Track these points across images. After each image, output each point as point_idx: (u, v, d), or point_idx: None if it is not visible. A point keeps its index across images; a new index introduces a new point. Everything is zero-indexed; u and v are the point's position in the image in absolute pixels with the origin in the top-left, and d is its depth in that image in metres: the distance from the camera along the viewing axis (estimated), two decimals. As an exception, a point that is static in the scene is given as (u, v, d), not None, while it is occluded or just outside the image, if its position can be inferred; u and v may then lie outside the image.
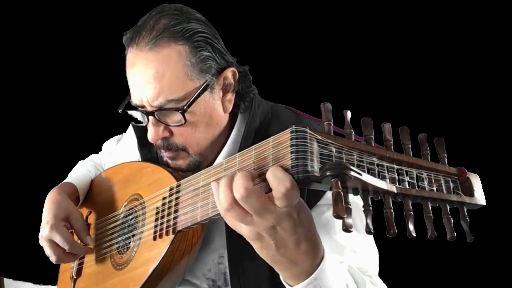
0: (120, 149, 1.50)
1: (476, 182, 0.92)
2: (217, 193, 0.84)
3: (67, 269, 1.41)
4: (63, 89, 2.47)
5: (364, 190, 0.83)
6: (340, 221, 1.10)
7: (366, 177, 0.80)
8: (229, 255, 1.17)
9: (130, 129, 1.50)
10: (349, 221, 0.78)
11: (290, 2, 2.33)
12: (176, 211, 1.06)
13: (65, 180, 1.42)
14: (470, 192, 0.91)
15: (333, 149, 0.83)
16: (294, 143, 0.81)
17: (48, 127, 2.46)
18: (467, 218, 0.88)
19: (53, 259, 1.27)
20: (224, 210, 0.82)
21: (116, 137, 1.58)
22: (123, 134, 1.56)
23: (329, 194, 1.13)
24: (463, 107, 2.13)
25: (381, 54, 2.22)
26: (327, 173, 0.78)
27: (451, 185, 0.90)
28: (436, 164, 0.90)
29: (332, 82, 2.12)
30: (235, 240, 1.16)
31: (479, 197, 0.91)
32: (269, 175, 0.80)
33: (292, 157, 0.81)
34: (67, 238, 1.24)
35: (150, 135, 1.17)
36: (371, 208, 0.82)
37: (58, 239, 1.23)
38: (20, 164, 2.44)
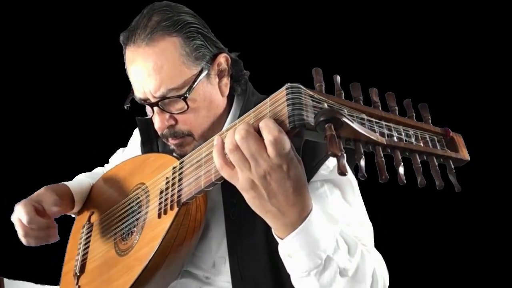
0: (126, 155, 1.56)
1: (460, 141, 0.98)
2: (218, 146, 0.94)
3: (69, 270, 1.42)
4: (66, 100, 2.52)
5: (356, 140, 0.89)
6: (334, 196, 1.18)
7: (357, 125, 0.87)
8: (228, 236, 1.22)
9: (134, 138, 1.58)
10: (343, 162, 0.84)
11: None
12: (180, 185, 1.11)
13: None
14: (455, 149, 0.97)
15: (325, 105, 0.90)
16: (290, 96, 0.89)
17: (52, 134, 2.50)
18: (454, 171, 0.94)
19: (20, 235, 1.32)
20: (229, 151, 0.90)
21: (121, 149, 1.67)
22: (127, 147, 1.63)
23: (322, 171, 1.20)
24: (447, 77, 2.23)
25: (371, 39, 2.31)
26: (321, 119, 0.84)
27: (437, 143, 0.96)
28: (421, 124, 0.97)
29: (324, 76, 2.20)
30: (233, 221, 1.21)
31: (464, 154, 0.97)
32: (261, 125, 0.89)
33: (289, 109, 0.88)
34: (27, 211, 1.29)
35: (157, 125, 1.24)
36: (363, 156, 0.87)
37: (20, 213, 1.29)
38: (20, 166, 2.47)
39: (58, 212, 1.32)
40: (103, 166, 1.68)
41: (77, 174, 1.61)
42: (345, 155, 0.85)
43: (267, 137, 0.87)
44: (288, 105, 0.88)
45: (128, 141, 1.64)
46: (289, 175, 0.90)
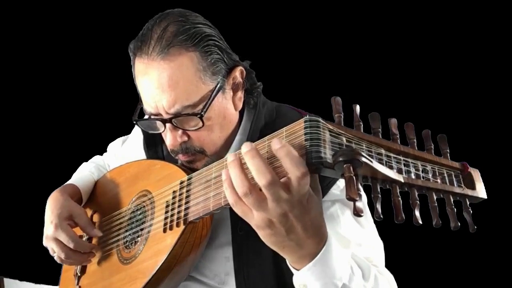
0: (126, 150, 1.52)
1: (477, 176, 0.96)
2: (228, 181, 0.87)
3: (70, 268, 1.41)
4: (67, 92, 2.50)
5: (373, 178, 0.87)
6: (345, 216, 1.17)
7: (376, 165, 0.84)
8: (234, 251, 1.20)
9: (136, 130, 1.53)
10: (359, 205, 0.82)
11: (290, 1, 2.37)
12: (187, 203, 1.09)
13: (68, 182, 1.45)
14: (472, 186, 0.95)
15: (344, 139, 0.88)
16: (308, 131, 0.86)
17: (52, 128, 2.48)
18: (470, 209, 0.93)
19: (61, 257, 1.28)
20: (242, 195, 0.85)
21: (121, 139, 1.61)
22: (128, 135, 1.59)
23: (333, 190, 1.18)
24: (464, 105, 2.22)
25: (384, 53, 2.28)
26: (340, 159, 0.82)
27: (454, 178, 0.94)
28: (440, 158, 0.95)
29: (336, 82, 2.18)
30: (240, 236, 1.19)
31: (481, 191, 0.95)
32: (286, 159, 0.83)
33: (307, 144, 0.85)
34: (71, 236, 1.26)
35: (169, 142, 1.19)
36: (380, 195, 0.86)
37: (63, 237, 1.25)
38: (21, 164, 2.46)
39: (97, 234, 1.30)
40: (101, 154, 1.65)
41: (75, 164, 1.59)
42: (361, 195, 0.83)
43: (295, 172, 0.82)
44: (306, 140, 0.85)
45: (126, 129, 1.60)
46: (309, 209, 0.87)
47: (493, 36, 2.22)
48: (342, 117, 0.91)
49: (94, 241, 1.34)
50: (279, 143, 0.85)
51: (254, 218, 0.87)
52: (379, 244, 1.22)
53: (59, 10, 2.47)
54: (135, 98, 1.27)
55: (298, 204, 0.85)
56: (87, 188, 1.43)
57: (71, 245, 1.24)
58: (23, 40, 2.51)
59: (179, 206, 1.11)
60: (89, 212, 1.43)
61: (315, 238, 0.90)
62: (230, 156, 0.88)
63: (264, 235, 0.90)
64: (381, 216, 0.84)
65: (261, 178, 0.83)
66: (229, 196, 0.88)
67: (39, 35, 2.50)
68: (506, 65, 2.21)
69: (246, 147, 0.86)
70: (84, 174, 1.47)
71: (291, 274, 0.98)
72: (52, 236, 1.26)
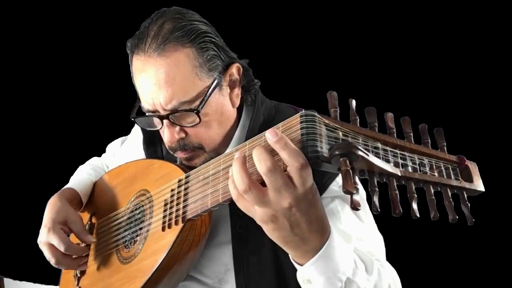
0: (125, 150, 1.53)
1: (474, 169, 0.96)
2: (231, 177, 0.88)
3: (70, 269, 1.42)
4: (66, 93, 2.51)
5: (370, 172, 0.87)
6: (345, 211, 1.17)
7: (373, 158, 0.84)
8: (234, 249, 1.20)
9: (135, 130, 1.53)
10: (357, 198, 0.82)
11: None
12: (185, 201, 1.09)
13: (66, 186, 1.45)
14: (469, 179, 0.95)
15: (340, 133, 0.88)
16: (304, 125, 0.86)
17: (51, 129, 2.49)
18: (467, 202, 0.93)
19: (52, 262, 1.28)
20: (242, 192, 0.85)
21: (120, 139, 1.61)
22: (127, 136, 1.59)
23: (332, 187, 1.18)
24: (460, 98, 2.22)
25: (380, 48, 2.29)
26: (336, 152, 0.82)
27: (451, 171, 0.94)
28: (437, 152, 0.95)
29: (332, 76, 2.18)
30: (239, 234, 1.19)
31: (478, 184, 0.95)
32: (281, 152, 0.83)
33: (303, 138, 0.85)
34: (63, 239, 1.26)
35: (167, 138, 1.20)
36: (377, 189, 0.85)
37: (54, 241, 1.25)
38: (21, 165, 2.46)
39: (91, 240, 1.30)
40: (99, 156, 1.65)
41: (75, 164, 1.59)
42: (358, 188, 0.83)
43: (294, 164, 0.82)
44: (302, 135, 0.85)
45: (124, 129, 1.60)
46: (314, 203, 0.87)
47: (488, 30, 2.22)
48: (338, 111, 0.91)
49: (92, 245, 1.34)
50: (275, 136, 0.84)
51: (257, 213, 0.87)
52: (380, 238, 1.22)
53: (57, 11, 2.48)
54: (134, 99, 1.28)
55: (303, 198, 0.84)
56: (86, 191, 1.43)
57: (62, 248, 1.24)
58: (22, 42, 2.52)
59: (177, 204, 1.11)
60: (88, 213, 1.43)
61: (318, 232, 0.90)
62: (237, 153, 0.89)
63: (268, 230, 0.89)
64: (379, 210, 0.84)
65: (261, 166, 0.83)
66: (232, 192, 0.89)
67: (37, 37, 2.50)
68: (501, 58, 2.21)
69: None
70: (82, 177, 1.48)
71: (292, 271, 0.98)
72: (45, 240, 1.26)
